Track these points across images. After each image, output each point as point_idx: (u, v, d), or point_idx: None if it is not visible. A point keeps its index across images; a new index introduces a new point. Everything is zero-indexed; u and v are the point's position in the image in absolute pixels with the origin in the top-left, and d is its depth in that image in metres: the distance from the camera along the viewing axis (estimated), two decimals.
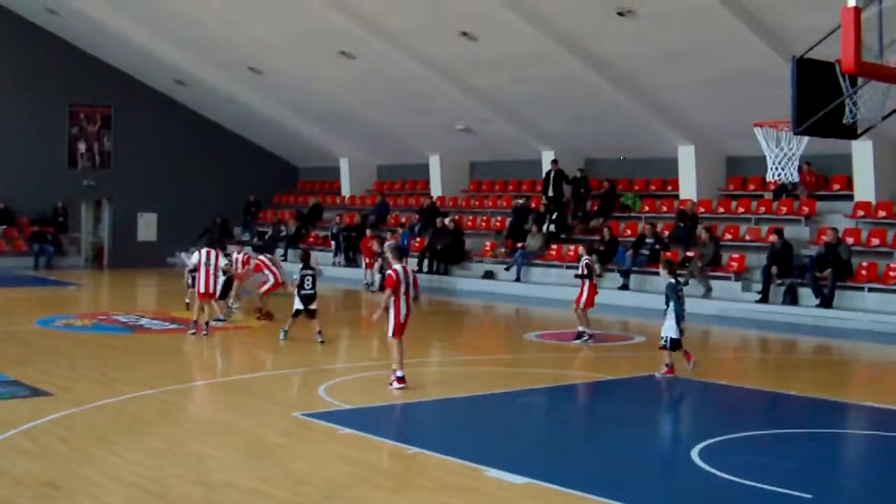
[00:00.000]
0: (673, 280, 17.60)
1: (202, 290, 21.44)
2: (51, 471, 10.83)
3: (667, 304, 17.40)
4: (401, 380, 15.77)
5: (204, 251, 21.67)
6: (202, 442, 12.27)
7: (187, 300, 24.71)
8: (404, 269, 15.96)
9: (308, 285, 20.32)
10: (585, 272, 21.39)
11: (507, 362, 19.38)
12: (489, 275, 34.13)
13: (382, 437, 12.48)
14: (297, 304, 20.38)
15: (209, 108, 45.43)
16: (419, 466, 11.29)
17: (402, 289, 15.79)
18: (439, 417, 14.83)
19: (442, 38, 30.07)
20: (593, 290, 21.44)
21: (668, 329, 17.30)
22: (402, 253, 16.71)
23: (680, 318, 17.25)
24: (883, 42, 12.12)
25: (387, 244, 24.66)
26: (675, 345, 17.39)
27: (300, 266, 20.69)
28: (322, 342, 20.16)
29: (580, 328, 21.46)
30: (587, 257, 21.67)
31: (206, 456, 11.60)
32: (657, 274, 29.63)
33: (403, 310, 15.82)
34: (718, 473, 11.06)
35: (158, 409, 14.17)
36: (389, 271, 15.96)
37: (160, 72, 42.13)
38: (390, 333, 15.83)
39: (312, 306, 20.41)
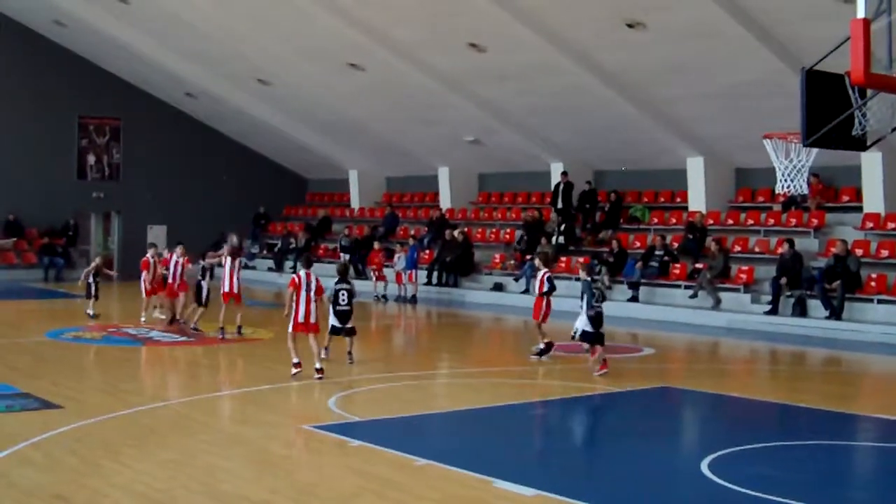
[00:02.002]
0: (589, 279, 18.96)
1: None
2: (60, 483, 10.84)
3: (581, 299, 18.72)
4: (296, 365, 17.63)
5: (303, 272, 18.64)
6: (211, 454, 12.27)
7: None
8: (307, 274, 17.83)
9: (343, 300, 19.00)
10: (546, 288, 20.86)
11: (516, 374, 19.36)
12: (498, 287, 34.11)
13: (391, 449, 12.47)
14: (333, 321, 19.07)
15: (218, 120, 45.51)
16: (427, 478, 11.28)
17: (304, 293, 17.59)
18: (448, 429, 14.82)
19: (450, 49, 30.11)
20: (549, 305, 21.00)
21: (582, 323, 18.62)
22: (309, 262, 18.61)
23: (595, 318, 18.58)
24: (892, 54, 12.12)
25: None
26: (586, 336, 18.59)
27: (335, 280, 19.24)
28: (351, 363, 19.28)
29: (542, 344, 20.83)
30: (545, 271, 21.18)
31: (215, 467, 11.60)
32: (667, 286, 29.90)
33: (303, 310, 17.59)
34: (728, 485, 11.04)
35: (168, 421, 14.18)
36: (293, 275, 18.06)
37: (169, 84, 42.22)
38: (290, 328, 17.78)
39: (349, 324, 19.21)
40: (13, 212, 41.06)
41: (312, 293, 17.72)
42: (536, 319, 20.91)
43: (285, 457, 12.24)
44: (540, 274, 21.17)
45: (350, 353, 19.39)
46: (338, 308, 19.01)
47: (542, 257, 20.72)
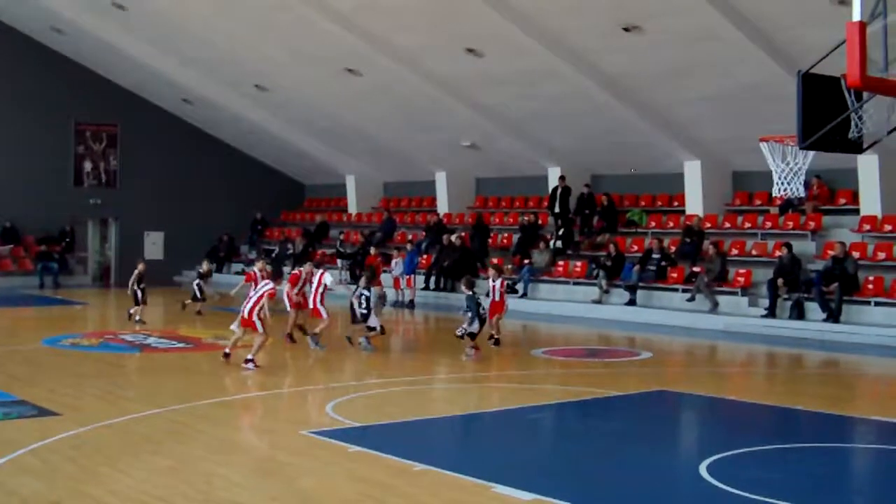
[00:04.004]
0: (471, 293, 21.30)
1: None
2: (58, 490, 10.82)
3: (468, 311, 21.22)
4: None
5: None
6: (210, 460, 12.25)
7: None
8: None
9: (363, 305, 21.16)
10: (507, 290, 23.72)
11: (515, 379, 19.35)
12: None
13: (390, 455, 12.45)
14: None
15: (215, 126, 45.55)
16: (426, 483, 11.26)
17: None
18: (446, 434, 14.81)
19: (448, 54, 30.13)
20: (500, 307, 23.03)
21: (469, 327, 21.07)
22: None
23: (481, 320, 21.30)
24: (888, 56, 12.11)
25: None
26: (473, 336, 21.03)
27: (362, 284, 21.44)
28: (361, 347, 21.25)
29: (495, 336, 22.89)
30: (501, 278, 23.35)
31: (213, 474, 11.59)
32: (664, 289, 29.91)
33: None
34: (727, 489, 11.03)
35: (166, 428, 14.15)
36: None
37: (166, 90, 42.26)
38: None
39: (370, 323, 21.40)
40: (10, 218, 41.17)
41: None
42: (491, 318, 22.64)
43: (284, 463, 12.22)
44: (497, 283, 22.89)
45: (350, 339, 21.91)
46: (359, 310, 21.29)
47: (467, 282, 22.00)
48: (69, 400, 15.97)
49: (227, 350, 19.80)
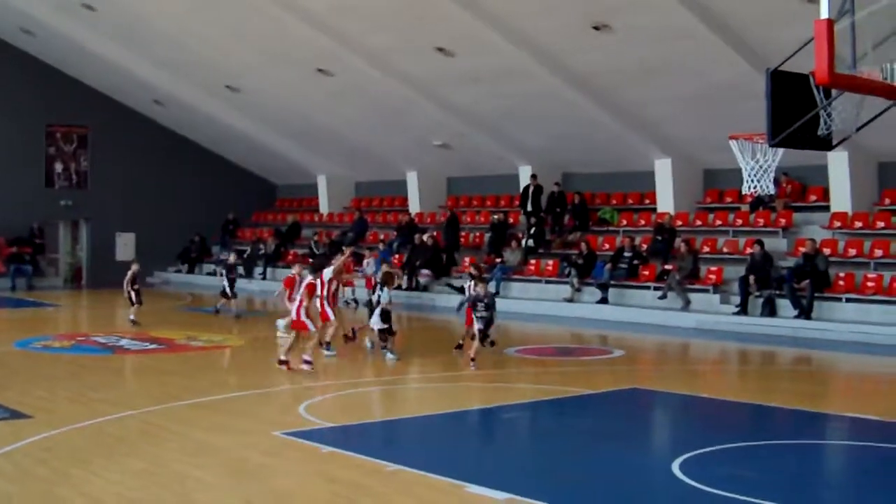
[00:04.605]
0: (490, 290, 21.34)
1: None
2: (30, 493, 10.78)
3: (485, 310, 20.15)
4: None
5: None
6: (184, 462, 12.23)
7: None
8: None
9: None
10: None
11: (487, 377, 19.36)
12: (460, 290, 33.87)
13: (363, 455, 12.46)
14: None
15: (187, 127, 45.44)
16: (400, 483, 11.27)
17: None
18: (420, 434, 14.81)
19: (418, 54, 30.13)
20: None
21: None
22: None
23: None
24: (856, 53, 12.19)
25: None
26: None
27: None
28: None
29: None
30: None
31: (187, 476, 11.57)
32: (636, 287, 29.98)
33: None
34: (700, 486, 11.06)
35: (139, 430, 14.12)
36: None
37: (137, 91, 42.13)
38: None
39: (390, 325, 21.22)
40: None
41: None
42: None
43: (258, 464, 12.20)
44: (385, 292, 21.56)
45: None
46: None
47: (387, 277, 21.71)
48: (41, 402, 15.92)
49: (281, 357, 19.49)
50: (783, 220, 29.63)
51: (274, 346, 22.33)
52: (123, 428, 14.20)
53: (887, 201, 28.52)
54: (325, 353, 21.02)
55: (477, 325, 20.01)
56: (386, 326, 20.82)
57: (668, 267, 29.65)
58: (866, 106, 13.30)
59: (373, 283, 25.73)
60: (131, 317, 26.81)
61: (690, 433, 15.05)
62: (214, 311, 29.81)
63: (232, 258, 31.43)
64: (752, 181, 15.49)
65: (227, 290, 29.78)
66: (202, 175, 46.16)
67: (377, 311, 20.81)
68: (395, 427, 14.94)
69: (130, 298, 27.02)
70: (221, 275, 31.49)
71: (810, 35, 11.93)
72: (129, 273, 27.08)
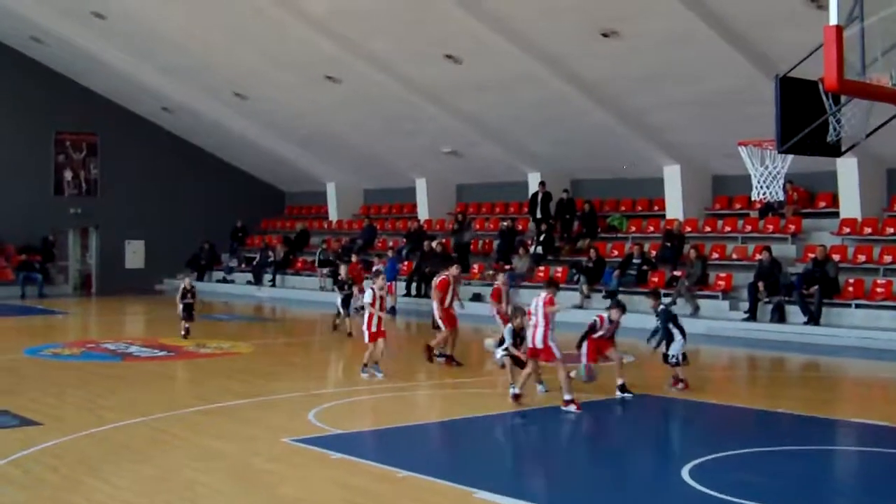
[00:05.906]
0: (663, 306, 19.94)
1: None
2: (40, 500, 10.80)
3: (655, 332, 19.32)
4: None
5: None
6: (192, 469, 12.24)
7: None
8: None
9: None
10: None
11: (495, 385, 19.34)
12: (477, 297, 33.87)
13: (372, 461, 12.46)
14: None
15: (195, 134, 45.47)
16: (409, 490, 11.27)
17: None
18: (428, 440, 14.82)
19: (427, 61, 30.13)
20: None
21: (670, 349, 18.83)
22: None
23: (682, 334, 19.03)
24: (865, 60, 12.16)
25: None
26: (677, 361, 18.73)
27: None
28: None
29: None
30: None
31: (196, 483, 11.58)
32: (645, 294, 29.84)
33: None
34: (709, 492, 11.06)
35: (148, 437, 14.13)
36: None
37: (146, 98, 42.17)
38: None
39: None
40: None
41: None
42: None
43: (267, 471, 12.21)
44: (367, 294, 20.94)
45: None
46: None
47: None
48: (51, 410, 15.94)
49: (366, 363, 19.57)
50: (792, 227, 29.59)
51: (276, 352, 22.37)
52: (132, 435, 14.21)
53: None
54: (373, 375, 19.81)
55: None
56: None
57: (677, 273, 29.62)
58: (875, 112, 13.26)
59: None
60: (181, 331, 25.39)
61: (700, 439, 15.04)
62: (333, 327, 27.75)
63: (342, 271, 28.20)
64: (762, 187, 15.49)
65: (340, 308, 27.34)
66: (211, 182, 46.14)
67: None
68: (404, 434, 14.91)
69: (183, 312, 25.55)
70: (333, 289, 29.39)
71: (819, 41, 11.90)
72: (181, 286, 25.84)
